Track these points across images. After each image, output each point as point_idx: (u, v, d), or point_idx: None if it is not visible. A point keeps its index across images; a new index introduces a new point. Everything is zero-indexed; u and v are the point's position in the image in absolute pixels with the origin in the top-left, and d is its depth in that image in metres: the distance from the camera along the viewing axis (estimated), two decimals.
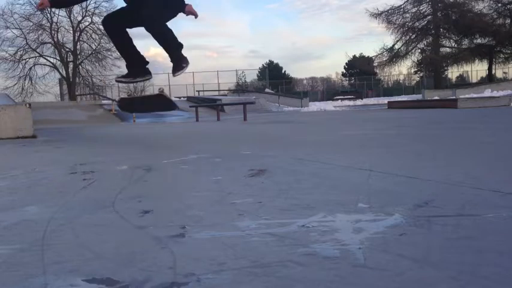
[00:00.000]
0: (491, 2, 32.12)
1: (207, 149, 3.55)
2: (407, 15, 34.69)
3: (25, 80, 29.24)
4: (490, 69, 34.78)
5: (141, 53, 3.92)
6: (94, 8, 30.39)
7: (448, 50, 35.53)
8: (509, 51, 33.85)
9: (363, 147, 3.13)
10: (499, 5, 32.34)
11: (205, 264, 0.89)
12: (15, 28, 28.49)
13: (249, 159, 2.63)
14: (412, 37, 35.13)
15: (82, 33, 30.52)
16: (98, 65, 31.06)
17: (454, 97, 18.49)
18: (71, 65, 30.62)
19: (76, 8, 28.66)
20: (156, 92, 4.17)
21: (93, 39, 30.91)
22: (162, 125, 9.73)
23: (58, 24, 30.02)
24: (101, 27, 30.72)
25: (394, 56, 35.64)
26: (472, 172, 1.86)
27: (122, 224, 1.25)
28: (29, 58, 29.58)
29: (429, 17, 34.22)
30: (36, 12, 27.54)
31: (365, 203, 1.35)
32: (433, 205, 1.29)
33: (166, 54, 3.74)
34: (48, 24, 29.60)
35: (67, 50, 30.64)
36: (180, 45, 3.72)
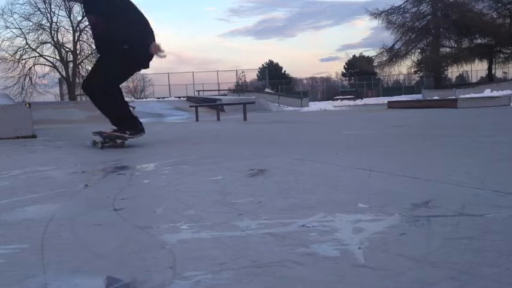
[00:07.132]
0: (491, 2, 32.10)
1: (207, 148, 3.55)
2: (407, 15, 34.68)
3: (25, 79, 29.23)
4: (489, 69, 34.76)
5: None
6: None
7: (447, 50, 35.50)
8: (509, 51, 33.80)
9: (363, 147, 3.13)
10: (499, 5, 32.32)
11: (205, 264, 0.89)
12: (15, 28, 28.52)
13: (249, 159, 2.63)
14: (412, 37, 35.10)
15: (82, 33, 30.51)
16: None
17: (453, 97, 18.47)
18: (70, 65, 30.62)
19: (76, 8, 28.68)
20: None
21: (93, 39, 30.88)
22: (161, 125, 9.72)
23: (58, 24, 30.03)
24: None
25: (394, 55, 35.61)
26: (472, 172, 1.86)
27: (122, 224, 1.25)
28: (29, 58, 29.58)
29: (429, 17, 34.20)
30: (36, 12, 27.56)
31: (365, 203, 1.35)
32: (433, 205, 1.29)
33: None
34: (48, 24, 29.61)
35: (67, 50, 30.64)
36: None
